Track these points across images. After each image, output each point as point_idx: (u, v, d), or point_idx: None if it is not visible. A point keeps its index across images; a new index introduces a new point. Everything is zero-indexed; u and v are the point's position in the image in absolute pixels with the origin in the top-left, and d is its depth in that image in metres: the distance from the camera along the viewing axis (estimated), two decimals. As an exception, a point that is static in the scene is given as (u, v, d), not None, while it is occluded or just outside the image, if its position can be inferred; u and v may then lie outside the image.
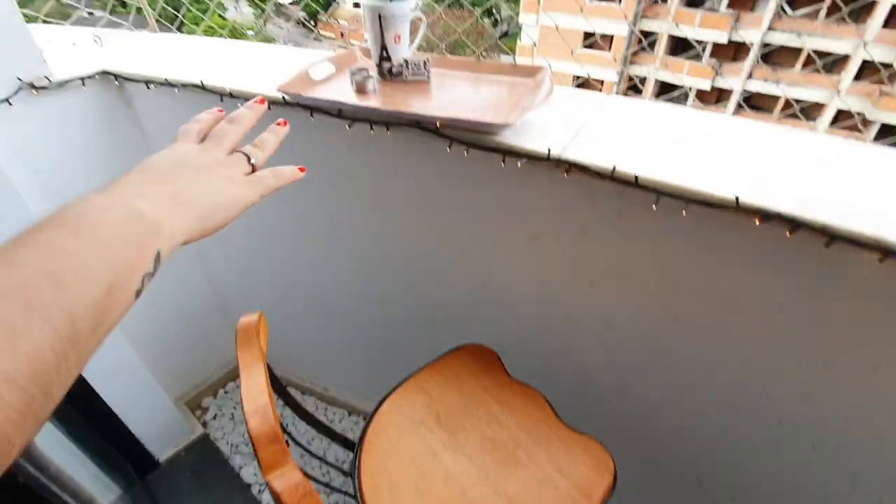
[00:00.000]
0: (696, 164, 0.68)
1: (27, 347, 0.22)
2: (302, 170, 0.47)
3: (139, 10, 1.37)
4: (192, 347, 1.57)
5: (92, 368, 1.10)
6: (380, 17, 0.86)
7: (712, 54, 12.92)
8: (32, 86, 0.94)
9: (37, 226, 0.27)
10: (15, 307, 0.23)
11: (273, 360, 0.73)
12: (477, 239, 0.95)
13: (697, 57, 13.21)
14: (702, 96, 13.38)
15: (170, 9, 1.57)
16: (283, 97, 0.87)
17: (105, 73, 1.01)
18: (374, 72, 0.95)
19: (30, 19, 1.38)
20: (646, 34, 13.53)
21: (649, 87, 13.89)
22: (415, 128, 0.81)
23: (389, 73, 0.94)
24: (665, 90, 13.96)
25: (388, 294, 1.18)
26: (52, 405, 0.23)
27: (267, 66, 1.06)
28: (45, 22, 1.33)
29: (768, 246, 0.66)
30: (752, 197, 0.61)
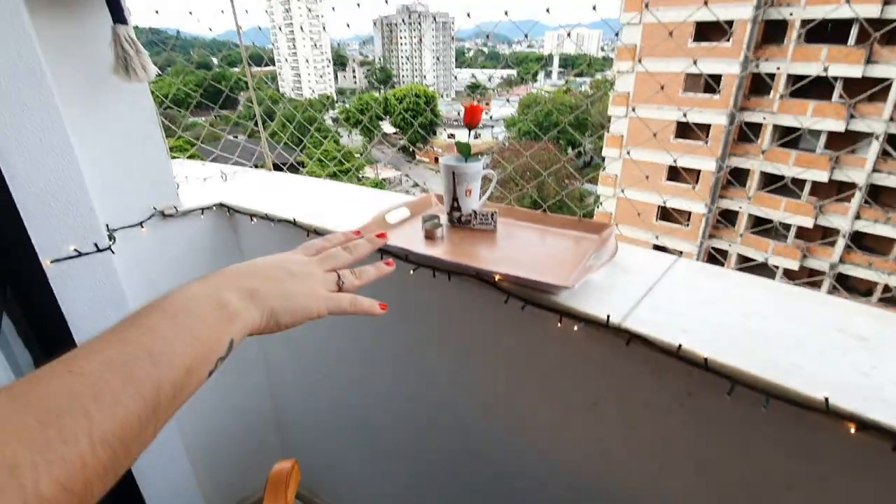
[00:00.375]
0: (778, 349, 0.61)
1: (122, 413, 0.27)
2: (383, 307, 0.52)
3: (275, 133, 1.65)
4: (240, 458, 1.57)
5: (141, 462, 1.13)
6: (454, 174, 0.95)
7: (798, 235, 12.09)
8: (163, 213, 1.12)
9: (146, 308, 0.34)
10: (119, 379, 0.28)
11: (314, 484, 0.70)
12: (532, 395, 0.89)
13: (783, 237, 12.40)
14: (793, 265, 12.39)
15: (292, 146, 1.86)
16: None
17: (221, 205, 1.19)
18: (444, 219, 1.01)
19: (182, 147, 1.70)
20: (736, 171, 13.44)
21: (741, 223, 13.37)
22: (474, 278, 0.83)
23: (459, 221, 1.00)
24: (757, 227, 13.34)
25: (435, 441, 1.12)
26: (129, 465, 0.27)
27: (355, 205, 1.18)
28: (189, 157, 1.63)
29: (871, 459, 0.55)
30: (846, 399, 0.52)
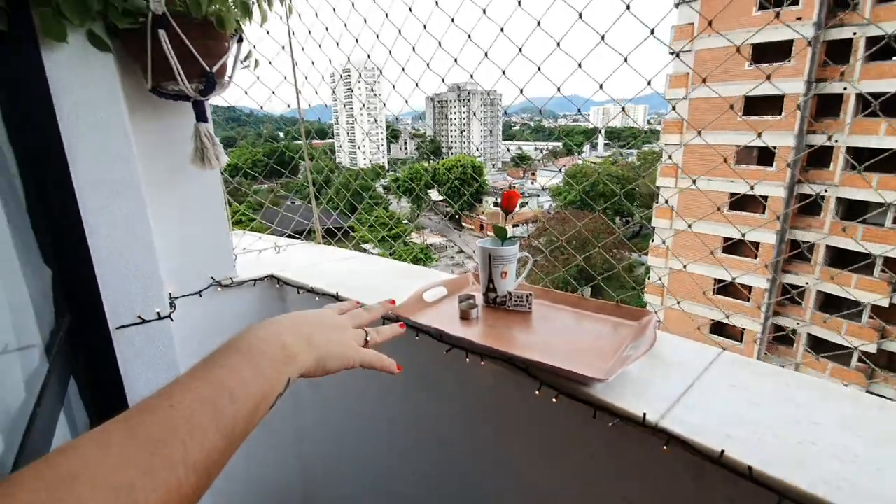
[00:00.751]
0: (831, 462, 0.56)
1: (208, 444, 0.32)
2: (399, 368, 0.58)
3: (331, 199, 1.77)
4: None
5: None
6: (490, 256, 0.98)
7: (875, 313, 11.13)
8: (220, 283, 1.21)
9: (224, 349, 0.40)
10: (207, 413, 0.33)
11: None
12: (558, 485, 0.84)
13: (857, 316, 11.46)
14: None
15: (346, 213, 1.98)
16: (397, 316, 0.98)
17: (272, 276, 1.27)
18: (480, 299, 1.03)
19: (245, 216, 1.85)
20: (795, 243, 12.74)
21: (808, 300, 12.44)
22: (507, 363, 0.83)
23: (494, 302, 1.01)
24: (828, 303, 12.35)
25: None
26: (207, 489, 0.32)
27: (396, 280, 1.23)
28: (251, 219, 1.77)
29: None
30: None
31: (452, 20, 1.14)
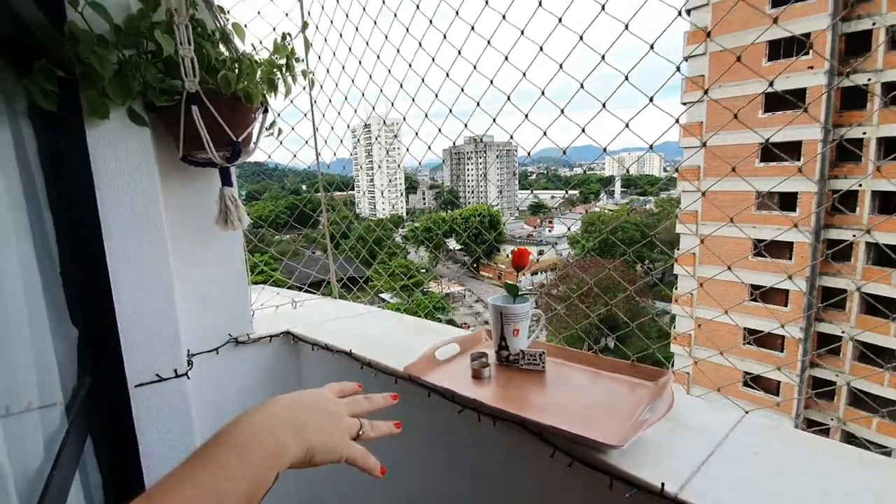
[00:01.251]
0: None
1: None
2: (383, 472, 0.55)
3: (352, 247, 1.81)
4: None
5: None
6: (501, 314, 0.98)
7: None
8: (237, 340, 1.23)
9: (215, 441, 0.39)
10: None
11: None
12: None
13: None
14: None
15: (369, 259, 2.02)
16: (409, 376, 0.98)
17: (287, 333, 1.29)
18: (493, 356, 1.02)
19: (268, 266, 1.90)
20: (830, 291, 12.28)
21: (846, 350, 11.82)
22: (519, 426, 0.81)
23: (507, 360, 1.00)
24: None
25: None
26: None
27: (409, 336, 1.23)
28: (272, 282, 1.81)
29: None
30: None
31: (475, 68, 1.19)
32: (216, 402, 1.23)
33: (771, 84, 0.97)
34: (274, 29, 1.30)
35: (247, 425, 0.41)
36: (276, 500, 1.39)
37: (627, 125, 1.01)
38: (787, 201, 12.83)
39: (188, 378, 1.06)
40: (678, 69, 0.94)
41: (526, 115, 1.14)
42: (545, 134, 1.19)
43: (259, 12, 1.26)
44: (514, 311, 0.98)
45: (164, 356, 1.02)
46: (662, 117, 1.07)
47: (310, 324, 1.34)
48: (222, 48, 1.02)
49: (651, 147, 1.11)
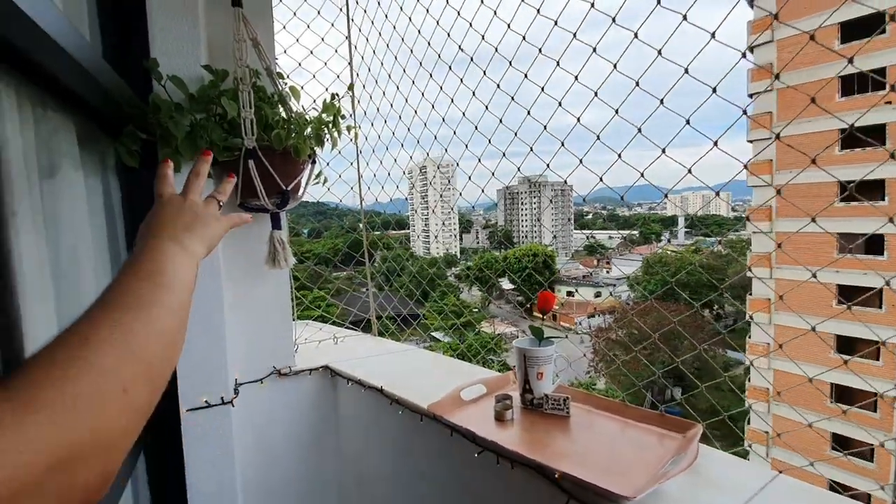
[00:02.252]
0: None
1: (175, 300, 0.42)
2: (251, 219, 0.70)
3: (403, 285, 1.89)
4: None
5: None
6: (524, 356, 0.99)
7: None
8: (279, 372, 1.32)
9: (156, 265, 0.44)
10: (153, 293, 0.40)
11: None
12: None
13: None
14: None
15: (420, 299, 2.08)
16: (434, 415, 1.00)
17: (326, 367, 1.36)
18: (517, 400, 1.03)
19: (321, 297, 2.00)
20: (932, 345, 10.81)
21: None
22: (535, 471, 0.80)
23: (531, 403, 1.00)
24: None
25: None
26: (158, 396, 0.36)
27: (439, 375, 1.25)
28: (326, 317, 1.91)
29: None
30: None
31: (528, 113, 1.21)
32: (257, 429, 1.30)
33: (850, 127, 0.88)
34: (326, 89, 1.45)
35: (164, 256, 0.47)
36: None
37: (690, 171, 0.95)
38: (875, 244, 11.69)
39: (233, 406, 1.14)
40: (744, 112, 0.90)
41: (581, 161, 1.13)
42: (601, 180, 1.17)
43: (314, 76, 1.42)
44: (538, 353, 0.99)
45: (213, 385, 1.11)
46: (725, 156, 1.02)
47: (348, 359, 1.40)
48: (280, 109, 1.16)
49: (717, 194, 1.08)
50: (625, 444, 0.87)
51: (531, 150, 1.25)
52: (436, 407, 1.00)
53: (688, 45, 1.00)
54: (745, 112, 0.90)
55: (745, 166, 1.01)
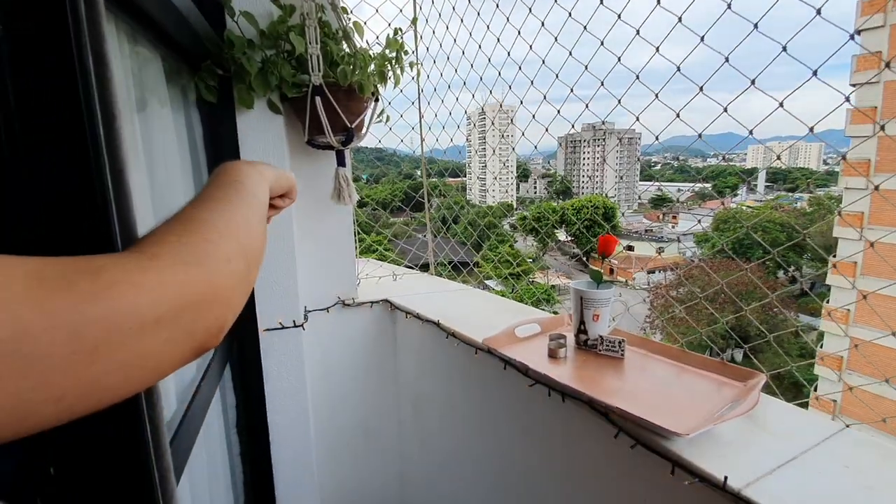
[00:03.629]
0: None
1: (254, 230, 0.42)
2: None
3: (456, 234, 1.94)
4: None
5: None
6: (581, 298, 0.99)
7: None
8: (344, 303, 1.41)
9: (229, 188, 0.45)
10: (238, 193, 0.42)
11: None
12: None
13: None
14: None
15: (471, 248, 2.12)
16: (489, 348, 1.04)
17: (386, 300, 1.43)
18: (571, 340, 1.04)
19: (378, 242, 2.09)
20: None
21: None
22: (586, 405, 0.83)
23: (585, 344, 1.01)
24: None
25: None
26: (253, 280, 0.39)
27: (494, 313, 1.29)
28: (380, 258, 2.00)
29: None
30: None
31: (601, 43, 1.12)
32: (323, 352, 1.42)
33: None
34: (389, 24, 1.42)
35: (239, 173, 0.49)
36: (368, 475, 1.56)
37: (781, 104, 0.86)
38: None
39: (303, 329, 1.24)
40: (852, 37, 0.79)
41: (656, 95, 1.03)
42: (678, 116, 1.03)
43: (377, 10, 1.39)
44: (595, 296, 0.98)
45: (286, 309, 1.21)
46: (821, 102, 0.89)
47: (406, 295, 1.47)
48: (344, 45, 1.16)
49: (811, 130, 0.94)
50: (680, 387, 0.86)
51: (602, 84, 1.16)
52: (490, 341, 1.04)
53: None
54: (852, 37, 0.79)
55: (847, 98, 0.88)
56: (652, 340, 1.01)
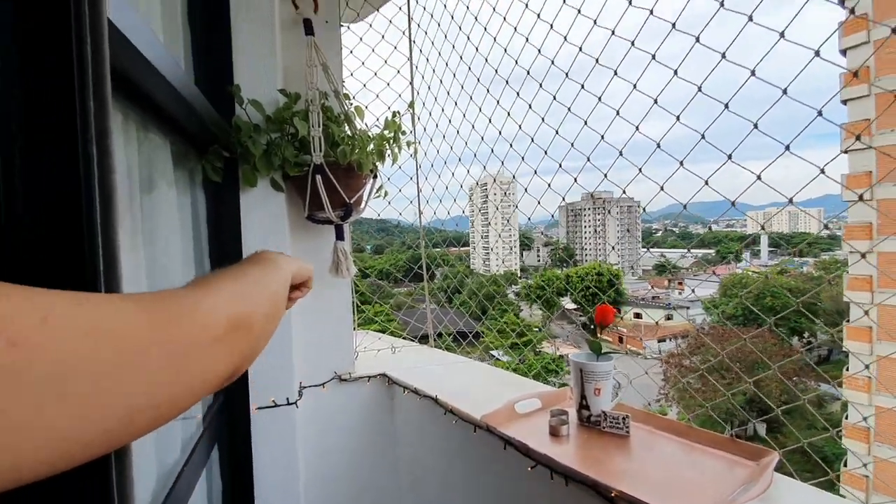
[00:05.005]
0: None
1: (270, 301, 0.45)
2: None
3: (464, 302, 1.92)
4: None
5: None
6: (581, 371, 0.96)
7: None
8: (340, 377, 1.37)
9: (263, 264, 0.48)
10: (265, 292, 0.44)
11: None
12: None
13: None
14: None
15: (478, 314, 2.10)
16: (487, 426, 1.00)
17: (383, 374, 1.40)
18: (574, 416, 1.00)
19: (381, 315, 2.07)
20: None
21: None
22: (590, 488, 0.78)
23: (588, 420, 0.97)
24: None
25: None
26: (261, 347, 0.41)
27: (493, 387, 1.25)
28: (385, 321, 1.98)
29: None
30: None
31: (585, 123, 1.18)
32: (318, 429, 1.36)
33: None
34: (388, 108, 1.52)
35: (276, 263, 0.51)
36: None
37: (759, 177, 0.90)
38: None
39: (297, 407, 1.20)
40: (819, 113, 0.83)
41: (640, 170, 1.09)
42: (662, 189, 1.11)
43: (377, 95, 1.50)
44: (595, 368, 0.96)
45: (280, 386, 1.18)
46: (823, 167, 0.95)
47: (405, 368, 1.43)
48: (345, 127, 1.24)
49: (791, 200, 0.97)
50: (689, 467, 0.81)
51: (587, 159, 1.22)
52: (489, 418, 0.99)
53: (772, 56, 0.93)
54: (819, 113, 0.83)
55: (822, 171, 0.91)
56: (657, 416, 0.96)
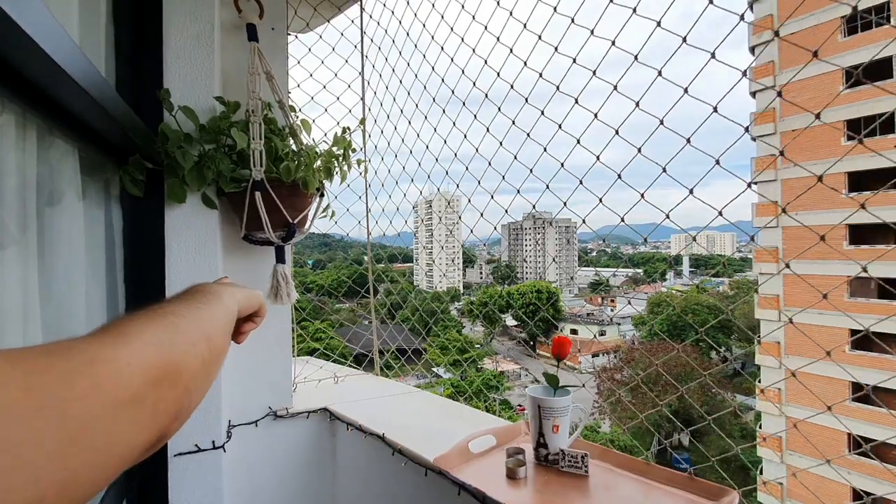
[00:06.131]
0: None
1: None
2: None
3: (407, 318, 1.82)
4: None
5: None
6: (539, 407, 0.92)
7: None
8: (276, 414, 1.24)
9: (199, 298, 0.44)
10: (198, 334, 0.38)
11: None
12: None
13: None
14: None
15: (420, 330, 2.01)
16: (440, 471, 0.93)
17: (325, 409, 1.28)
18: (530, 454, 0.95)
19: (324, 333, 1.93)
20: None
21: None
22: (553, 541, 0.72)
23: (545, 459, 0.93)
24: None
25: None
26: (213, 377, 0.39)
27: (444, 421, 1.18)
28: (325, 348, 1.84)
29: None
30: None
31: (528, 136, 1.21)
32: (249, 473, 1.22)
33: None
34: (338, 123, 1.44)
35: (219, 296, 0.47)
36: None
37: (692, 192, 0.97)
38: (889, 289, 11.52)
39: (224, 451, 1.07)
40: (718, 162, 0.91)
41: (580, 181, 1.13)
42: (601, 201, 1.16)
43: (326, 109, 1.41)
44: (553, 404, 0.92)
45: (204, 427, 1.04)
46: (734, 196, 1.03)
47: (348, 401, 1.33)
48: (290, 141, 1.14)
49: (719, 213, 1.04)
50: (651, 509, 0.79)
51: (531, 171, 1.24)
52: (442, 461, 0.92)
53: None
54: (716, 162, 0.87)
55: (736, 198, 0.99)
56: (615, 452, 0.94)
